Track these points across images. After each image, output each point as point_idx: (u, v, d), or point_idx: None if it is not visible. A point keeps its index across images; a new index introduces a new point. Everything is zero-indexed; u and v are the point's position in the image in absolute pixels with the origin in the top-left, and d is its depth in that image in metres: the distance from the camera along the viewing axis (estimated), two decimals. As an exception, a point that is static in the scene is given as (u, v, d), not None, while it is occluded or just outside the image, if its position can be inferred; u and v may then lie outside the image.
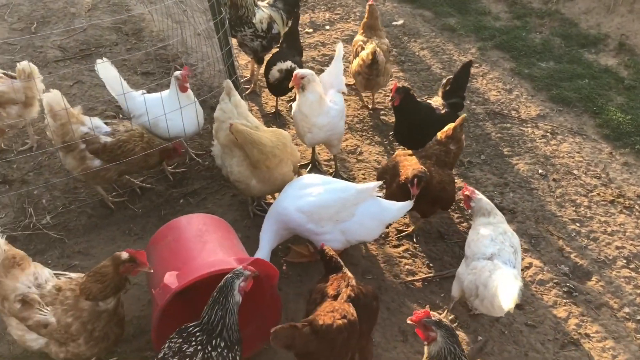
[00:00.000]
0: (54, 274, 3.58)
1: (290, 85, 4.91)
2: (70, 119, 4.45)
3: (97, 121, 4.67)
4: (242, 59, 7.08)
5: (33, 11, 7.80)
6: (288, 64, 5.63)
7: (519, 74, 7.12)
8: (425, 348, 3.12)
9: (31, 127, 5.48)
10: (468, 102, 6.67)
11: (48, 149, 5.32)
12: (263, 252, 4.13)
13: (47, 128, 4.63)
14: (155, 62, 6.84)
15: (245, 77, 6.75)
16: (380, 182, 4.42)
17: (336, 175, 5.45)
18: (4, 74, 5.11)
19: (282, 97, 6.39)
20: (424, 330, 3.05)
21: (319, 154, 5.71)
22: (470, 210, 4.31)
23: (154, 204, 5.01)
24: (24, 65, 5.01)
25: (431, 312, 3.06)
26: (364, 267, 4.58)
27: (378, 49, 5.89)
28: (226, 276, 3.09)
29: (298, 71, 4.86)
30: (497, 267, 3.73)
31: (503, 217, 4.19)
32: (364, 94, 6.62)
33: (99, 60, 5.04)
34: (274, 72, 5.65)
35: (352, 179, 5.48)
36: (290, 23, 6.49)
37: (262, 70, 6.31)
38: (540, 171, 5.66)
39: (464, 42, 7.80)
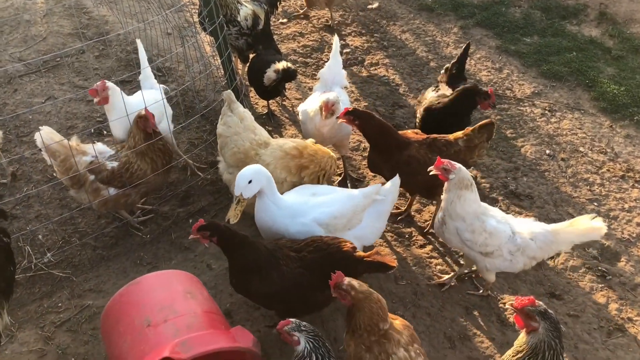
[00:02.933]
0: None
1: (324, 116, 4.52)
2: (70, 152, 4.06)
3: (101, 146, 4.31)
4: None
5: (-19, 21, 7.14)
6: (284, 64, 5.31)
7: (505, 51, 7.02)
8: (521, 337, 2.91)
9: (1, 157, 4.98)
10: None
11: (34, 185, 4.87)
12: None
13: (50, 168, 4.24)
14: (129, 67, 6.37)
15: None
16: (379, 185, 4.16)
17: (345, 176, 5.22)
18: None
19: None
20: (526, 318, 2.84)
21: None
22: (446, 185, 3.88)
23: (162, 228, 4.65)
24: None
25: (536, 301, 2.85)
26: (395, 272, 4.39)
27: None
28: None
29: (329, 99, 4.51)
30: (524, 238, 3.80)
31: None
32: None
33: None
34: (270, 74, 5.30)
35: (361, 178, 5.26)
36: (271, 17, 6.16)
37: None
38: (547, 152, 5.59)
39: (444, 21, 7.63)
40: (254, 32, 5.87)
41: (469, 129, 4.46)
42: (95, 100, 4.50)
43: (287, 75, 5.26)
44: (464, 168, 3.80)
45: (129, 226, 4.64)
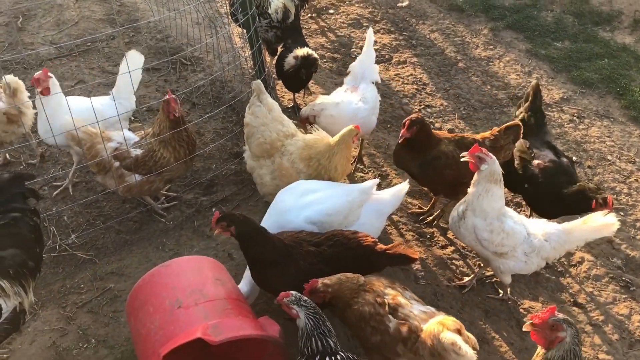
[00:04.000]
0: None
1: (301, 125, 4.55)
2: (95, 139, 4.11)
3: (127, 132, 4.33)
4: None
5: (15, 3, 7.22)
6: (304, 50, 5.28)
7: (535, 55, 6.94)
8: (544, 351, 2.76)
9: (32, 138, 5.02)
10: (489, 87, 6.48)
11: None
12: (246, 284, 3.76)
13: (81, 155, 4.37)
14: (158, 55, 6.41)
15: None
16: (377, 180, 4.17)
17: (359, 158, 5.23)
18: None
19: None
20: (550, 331, 2.67)
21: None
22: (475, 177, 3.77)
23: (185, 215, 4.69)
24: (9, 79, 4.59)
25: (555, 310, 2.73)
26: (415, 272, 4.38)
27: None
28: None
29: (301, 113, 4.55)
30: (539, 239, 3.77)
31: None
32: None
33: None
34: (290, 60, 5.31)
35: (384, 175, 5.24)
36: (301, 11, 6.15)
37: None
38: (574, 158, 5.51)
39: (474, 22, 7.56)
40: (284, 26, 5.88)
41: (495, 129, 4.43)
42: (38, 90, 4.39)
43: (306, 62, 5.24)
44: (497, 161, 3.72)
45: (152, 212, 4.68)
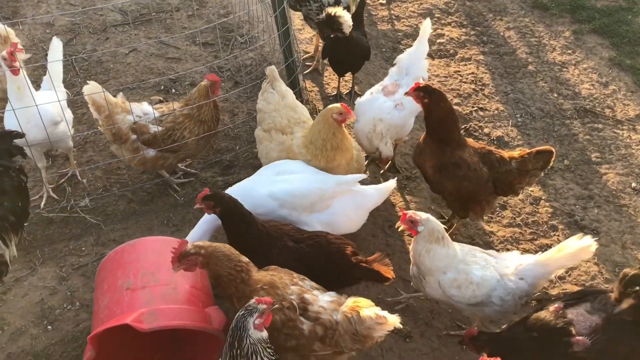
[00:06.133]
0: None
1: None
2: (114, 109, 4.17)
3: (146, 107, 4.38)
4: (308, 33, 6.56)
5: (97, -31, 7.53)
6: (336, 10, 4.94)
7: (619, 64, 6.22)
8: None
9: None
10: (555, 95, 5.91)
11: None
12: (195, 233, 3.73)
13: (97, 123, 4.42)
14: (215, 31, 6.44)
15: (308, 52, 6.24)
16: (363, 175, 3.99)
17: (392, 165, 4.97)
18: None
19: (346, 78, 5.86)
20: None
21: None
22: (414, 241, 3.47)
23: (197, 193, 4.60)
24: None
25: None
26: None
27: None
28: (237, 314, 2.68)
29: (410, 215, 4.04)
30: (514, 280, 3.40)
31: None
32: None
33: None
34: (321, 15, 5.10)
35: (412, 177, 4.94)
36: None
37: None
38: (633, 184, 4.91)
39: (557, 23, 6.90)
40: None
41: (525, 150, 4.03)
42: (6, 66, 4.00)
43: (329, 21, 4.96)
44: (432, 218, 3.40)
45: (167, 186, 4.72)
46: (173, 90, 5.61)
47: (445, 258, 3.38)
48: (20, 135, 3.50)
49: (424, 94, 3.92)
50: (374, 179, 4.84)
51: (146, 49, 6.13)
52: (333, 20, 4.93)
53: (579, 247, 3.31)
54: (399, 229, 3.53)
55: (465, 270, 3.38)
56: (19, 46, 4.15)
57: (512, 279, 3.38)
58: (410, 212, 3.38)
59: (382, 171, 4.95)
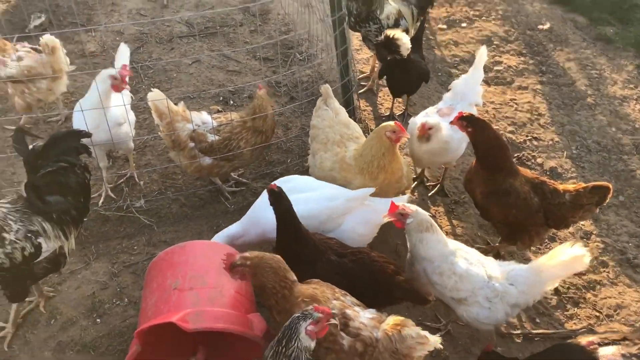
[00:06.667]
0: None
1: (418, 135, 4.37)
2: (175, 116, 4.35)
3: (205, 116, 4.55)
4: (365, 53, 6.65)
5: (169, -18, 7.86)
6: (395, 32, 5.05)
7: (682, 102, 6.05)
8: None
9: (61, 101, 5.42)
10: (613, 129, 5.79)
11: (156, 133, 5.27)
12: (221, 235, 3.90)
13: (157, 128, 4.62)
14: (275, 47, 6.61)
15: (364, 72, 6.34)
16: (372, 189, 3.92)
17: (440, 188, 4.96)
18: (32, 48, 5.05)
19: (399, 100, 5.91)
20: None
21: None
22: (407, 234, 3.56)
23: (247, 202, 4.78)
24: (47, 39, 4.91)
25: None
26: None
27: None
28: (292, 316, 2.75)
29: (427, 121, 4.32)
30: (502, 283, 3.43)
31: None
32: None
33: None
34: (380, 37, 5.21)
35: (460, 202, 4.93)
36: (421, 20, 5.94)
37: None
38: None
39: (620, 56, 6.78)
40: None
41: (580, 184, 3.97)
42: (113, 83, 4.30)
43: (388, 43, 5.04)
44: (420, 210, 3.49)
45: (219, 193, 4.86)
46: (231, 102, 5.79)
47: (437, 245, 3.47)
48: (88, 134, 3.70)
49: (468, 123, 3.95)
50: (421, 202, 4.86)
51: (208, 61, 6.35)
52: (391, 43, 5.01)
53: (572, 255, 3.32)
54: (385, 220, 3.57)
55: (451, 261, 3.45)
56: (128, 68, 4.43)
57: (501, 281, 3.41)
58: (401, 204, 3.48)
59: (430, 193, 4.96)
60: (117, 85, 4.29)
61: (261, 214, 3.77)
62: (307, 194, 3.83)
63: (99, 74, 4.37)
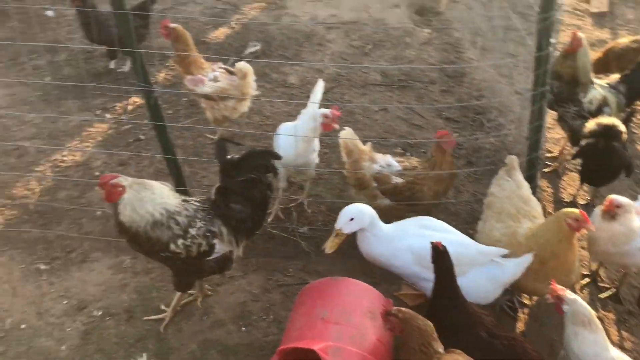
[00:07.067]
0: None
1: (602, 209, 4.12)
2: (362, 155, 4.53)
3: (390, 159, 4.67)
4: (557, 133, 6.38)
5: (374, 33, 8.25)
6: (612, 120, 4.75)
7: None
8: None
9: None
10: None
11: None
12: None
13: (341, 164, 4.87)
14: (462, 110, 6.62)
15: (551, 152, 6.07)
16: (505, 250, 3.76)
17: (615, 293, 4.55)
18: (225, 69, 5.58)
19: (585, 187, 5.55)
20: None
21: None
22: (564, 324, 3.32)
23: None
24: (242, 65, 5.40)
25: None
26: None
27: None
28: None
29: (617, 198, 4.05)
30: None
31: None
32: None
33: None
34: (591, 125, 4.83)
35: (638, 315, 4.45)
36: (627, 111, 5.58)
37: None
38: None
39: None
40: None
41: None
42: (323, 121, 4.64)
43: (609, 131, 4.72)
44: (581, 301, 3.24)
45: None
46: (407, 154, 5.86)
47: (594, 346, 3.18)
48: (279, 157, 3.99)
49: None
50: (590, 302, 4.48)
51: (395, 111, 6.53)
52: (613, 132, 4.74)
53: None
54: (548, 301, 3.40)
55: None
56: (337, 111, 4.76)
57: None
58: (559, 287, 3.30)
59: (601, 295, 4.56)
60: (327, 123, 4.64)
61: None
62: (441, 234, 3.84)
63: (311, 108, 4.75)
